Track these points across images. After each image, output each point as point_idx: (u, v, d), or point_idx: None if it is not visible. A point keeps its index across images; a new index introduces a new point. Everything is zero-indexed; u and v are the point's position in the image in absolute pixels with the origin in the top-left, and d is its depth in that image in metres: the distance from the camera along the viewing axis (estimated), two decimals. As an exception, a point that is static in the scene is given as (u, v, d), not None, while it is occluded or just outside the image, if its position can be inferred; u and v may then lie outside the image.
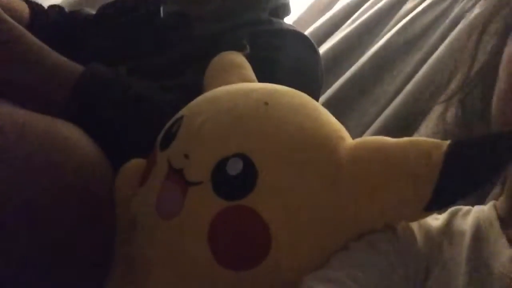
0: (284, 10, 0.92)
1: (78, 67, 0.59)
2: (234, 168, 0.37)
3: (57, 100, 0.56)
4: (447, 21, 1.29)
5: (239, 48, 0.61)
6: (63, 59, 0.58)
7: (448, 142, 0.38)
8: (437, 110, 0.67)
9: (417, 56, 1.28)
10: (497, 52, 0.45)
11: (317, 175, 0.38)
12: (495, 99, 0.43)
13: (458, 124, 0.52)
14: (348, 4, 1.46)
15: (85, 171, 0.48)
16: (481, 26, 0.48)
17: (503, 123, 0.41)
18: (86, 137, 0.51)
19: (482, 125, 0.48)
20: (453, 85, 0.52)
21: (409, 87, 1.22)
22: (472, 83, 0.49)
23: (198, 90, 0.53)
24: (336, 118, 0.46)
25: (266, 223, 0.37)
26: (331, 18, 1.44)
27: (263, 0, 0.85)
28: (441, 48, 1.24)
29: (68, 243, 0.46)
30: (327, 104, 1.26)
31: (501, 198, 0.46)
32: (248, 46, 0.62)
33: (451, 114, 0.52)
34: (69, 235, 0.46)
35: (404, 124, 1.14)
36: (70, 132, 0.49)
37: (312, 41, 0.83)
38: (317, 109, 0.45)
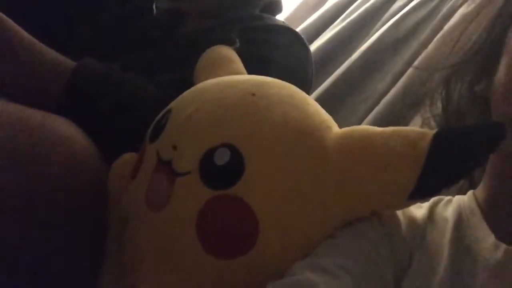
0: (276, 7, 0.92)
1: (70, 63, 0.59)
2: (222, 158, 0.38)
3: (50, 95, 0.56)
4: (436, 19, 1.30)
5: (228, 43, 0.61)
6: (55, 54, 0.58)
7: (433, 131, 0.38)
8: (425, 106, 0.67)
9: (407, 54, 1.29)
10: (498, 41, 0.45)
11: (303, 164, 0.39)
12: (494, 91, 0.43)
13: (445, 116, 0.52)
14: (338, 2, 1.47)
15: (81, 167, 0.48)
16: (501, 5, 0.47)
17: (505, 117, 0.41)
18: (81, 132, 0.51)
19: (470, 114, 0.49)
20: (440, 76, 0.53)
21: (399, 85, 1.23)
22: (469, 60, 0.49)
23: (190, 84, 0.53)
24: None
25: (253, 212, 0.37)
26: (321, 16, 1.45)
27: None
28: (431, 46, 1.25)
29: (62, 237, 0.47)
30: (318, 102, 1.27)
31: (480, 187, 0.47)
32: (237, 41, 0.63)
33: (437, 106, 0.52)
34: (64, 229, 0.47)
35: (394, 121, 1.15)
36: (65, 127, 0.50)
37: (303, 38, 0.84)
38: (305, 100, 0.45)
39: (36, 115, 0.48)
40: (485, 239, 0.41)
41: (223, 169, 0.38)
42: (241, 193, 0.37)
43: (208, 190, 0.38)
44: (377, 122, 1.20)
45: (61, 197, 0.46)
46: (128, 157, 0.51)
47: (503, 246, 0.39)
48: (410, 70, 1.24)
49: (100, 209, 0.49)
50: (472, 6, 1.28)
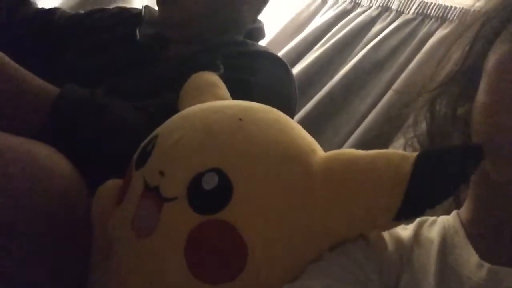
0: (259, 33, 0.94)
1: (53, 90, 0.59)
2: (210, 182, 0.38)
3: (34, 123, 0.56)
4: (414, 42, 1.34)
5: (213, 69, 0.62)
6: (38, 81, 0.58)
7: (415, 154, 0.39)
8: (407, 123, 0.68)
9: (387, 76, 1.32)
10: (477, 64, 0.45)
11: (291, 188, 0.39)
12: (474, 112, 0.43)
13: (430, 136, 0.53)
14: (318, 26, 1.51)
15: (66, 193, 0.48)
16: (478, 27, 0.49)
17: (485, 137, 0.41)
18: (64, 159, 0.51)
19: (454, 135, 0.50)
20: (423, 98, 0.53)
21: (379, 106, 1.26)
22: (451, 84, 0.50)
23: (174, 109, 0.53)
24: None
25: (241, 237, 0.37)
26: (303, 40, 1.48)
27: (239, 23, 0.87)
28: (410, 67, 1.28)
29: (47, 264, 0.46)
30: (300, 124, 1.28)
31: (463, 207, 0.48)
32: (222, 66, 0.64)
33: (421, 126, 0.53)
34: (48, 256, 0.46)
35: (376, 142, 1.16)
36: (50, 155, 0.49)
37: (285, 62, 0.85)
38: (290, 124, 0.46)
39: (22, 144, 0.48)
40: (469, 259, 0.41)
41: (211, 194, 0.38)
42: (229, 218, 0.37)
43: (196, 215, 0.38)
44: (360, 143, 1.22)
45: (43, 226, 0.46)
46: (112, 183, 0.51)
47: (487, 265, 0.40)
48: (390, 92, 1.27)
49: (84, 237, 0.49)
50: (448, 29, 1.33)
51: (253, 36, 0.90)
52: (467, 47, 0.48)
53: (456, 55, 0.50)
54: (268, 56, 0.84)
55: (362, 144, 1.19)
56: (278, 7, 1.51)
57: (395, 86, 1.26)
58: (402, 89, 1.21)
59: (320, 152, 0.44)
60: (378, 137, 1.16)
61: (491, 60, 0.42)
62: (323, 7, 1.60)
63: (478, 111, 0.42)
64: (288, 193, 0.39)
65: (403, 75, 1.28)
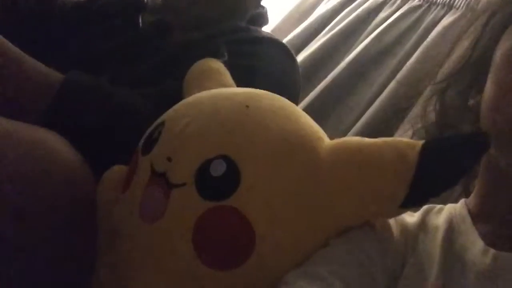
0: (262, 19, 0.93)
1: (58, 76, 0.59)
2: (217, 169, 0.38)
3: (37, 109, 0.56)
4: (420, 29, 1.33)
5: (217, 55, 0.62)
6: (42, 67, 0.58)
7: (422, 141, 0.39)
8: (414, 113, 0.68)
9: (392, 64, 1.31)
10: (488, 50, 0.46)
11: (298, 175, 0.39)
12: (483, 106, 0.44)
13: (438, 126, 0.53)
14: (324, 13, 1.49)
15: (71, 179, 0.48)
16: (486, 19, 0.49)
17: (494, 130, 0.42)
18: (69, 145, 0.51)
19: (463, 125, 0.50)
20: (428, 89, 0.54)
21: (384, 94, 1.25)
22: (460, 75, 0.51)
23: (178, 97, 0.53)
24: None
25: (249, 223, 0.37)
26: (307, 27, 1.47)
27: (241, 9, 0.87)
28: (415, 55, 1.27)
29: (53, 250, 0.46)
30: (305, 112, 1.28)
31: (471, 196, 0.49)
32: (225, 53, 0.64)
33: (429, 117, 0.54)
34: (54, 242, 0.46)
35: (380, 131, 1.16)
36: (54, 141, 0.49)
37: (290, 49, 0.85)
38: (296, 111, 0.46)
39: (27, 129, 0.48)
40: (475, 245, 0.42)
41: (219, 180, 0.38)
42: (237, 204, 0.38)
43: (204, 201, 0.38)
44: (364, 131, 1.21)
45: (60, 211, 0.46)
46: (118, 170, 0.51)
47: (492, 251, 0.41)
48: (395, 80, 1.26)
49: (92, 222, 0.49)
50: (454, 16, 1.32)
51: (256, 22, 0.90)
52: (475, 40, 0.48)
53: (464, 46, 0.50)
54: (272, 42, 0.83)
55: (368, 131, 1.19)
56: (282, -6, 1.51)
57: (400, 73, 1.26)
58: (408, 78, 1.20)
59: (326, 140, 0.44)
60: (384, 125, 1.16)
61: (498, 54, 0.43)
62: (329, -7, 1.58)
63: (486, 104, 0.42)
64: (295, 180, 0.39)
65: (409, 62, 1.26)
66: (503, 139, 0.40)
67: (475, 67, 0.48)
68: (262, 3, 0.93)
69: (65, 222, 0.47)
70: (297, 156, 0.40)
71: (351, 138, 0.44)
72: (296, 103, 0.86)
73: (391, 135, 1.09)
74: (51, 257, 0.47)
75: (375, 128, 1.20)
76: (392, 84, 1.25)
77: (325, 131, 0.47)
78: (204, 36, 0.79)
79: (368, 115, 1.25)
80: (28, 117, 0.51)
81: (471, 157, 0.39)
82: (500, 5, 0.47)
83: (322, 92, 1.31)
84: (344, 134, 1.23)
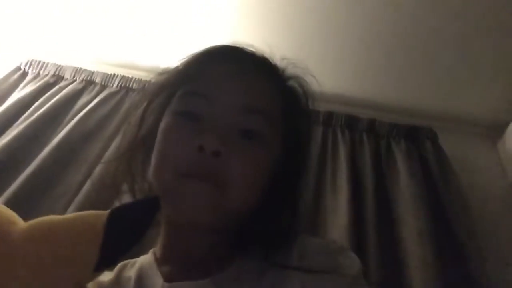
0: None
1: None
2: None
3: None
4: (120, 113, 1.44)
5: None
6: None
7: (108, 211, 0.46)
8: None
9: (98, 146, 1.36)
10: (155, 124, 0.56)
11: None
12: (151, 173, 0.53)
13: (132, 193, 0.60)
14: (19, 100, 1.45)
15: None
16: (146, 104, 0.59)
17: (160, 191, 0.51)
18: None
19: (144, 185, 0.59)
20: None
21: (95, 174, 1.28)
22: (134, 149, 0.60)
23: None
24: (21, 216, 0.47)
25: None
26: (2, 114, 1.40)
27: None
28: (118, 137, 1.36)
29: None
30: (11, 201, 1.19)
31: (158, 245, 0.58)
32: None
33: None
34: None
35: (99, 208, 1.17)
36: None
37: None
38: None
39: None
40: (157, 284, 0.51)
41: None
42: None
43: None
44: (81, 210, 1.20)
45: None
46: None
47: (166, 285, 0.50)
48: (101, 163, 1.32)
49: None
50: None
51: None
52: (139, 119, 0.59)
53: (132, 126, 0.60)
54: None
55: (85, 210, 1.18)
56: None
57: (107, 154, 1.32)
58: (111, 157, 1.27)
59: (20, 223, 0.46)
60: (99, 201, 1.18)
61: (160, 128, 0.54)
62: (22, 80, 1.55)
63: (151, 171, 0.52)
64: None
65: (114, 143, 1.34)
66: (163, 193, 0.50)
67: (144, 141, 0.59)
68: None
69: None
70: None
71: (45, 217, 0.46)
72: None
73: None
74: None
75: (93, 206, 1.20)
76: (100, 165, 1.30)
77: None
78: None
79: (81, 196, 1.25)
80: None
81: (147, 217, 0.47)
82: (154, 94, 0.59)
83: (29, 179, 1.25)
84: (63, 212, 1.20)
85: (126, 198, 0.62)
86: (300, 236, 0.54)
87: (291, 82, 0.61)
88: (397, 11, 1.22)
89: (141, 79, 1.52)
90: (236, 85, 0.53)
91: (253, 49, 0.60)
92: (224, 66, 0.55)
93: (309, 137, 0.64)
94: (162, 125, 0.54)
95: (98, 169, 1.28)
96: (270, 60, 0.60)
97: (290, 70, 0.62)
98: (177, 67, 0.59)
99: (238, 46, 0.58)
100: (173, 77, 0.58)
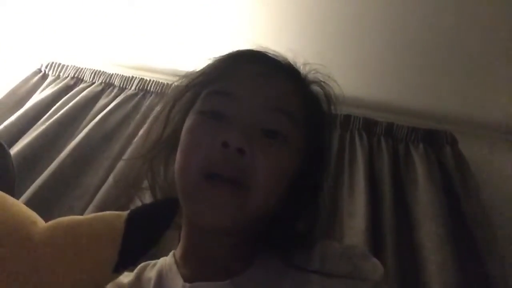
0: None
1: None
2: None
3: None
4: (139, 115, 1.45)
5: None
6: None
7: (128, 211, 0.46)
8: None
9: (116, 148, 1.38)
10: (180, 124, 0.56)
11: (14, 259, 0.40)
12: (175, 172, 0.53)
13: (153, 193, 0.61)
14: (39, 102, 1.47)
15: None
16: (171, 105, 0.60)
17: (181, 190, 0.51)
18: None
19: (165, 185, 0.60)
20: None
21: (112, 176, 1.29)
22: (158, 148, 0.60)
23: None
24: (41, 216, 0.48)
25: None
26: (23, 116, 1.42)
27: None
28: (137, 138, 1.36)
29: None
30: (30, 201, 1.21)
31: (178, 246, 0.58)
32: None
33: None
34: None
35: (117, 208, 1.18)
36: None
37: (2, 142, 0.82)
38: (5, 200, 0.47)
39: None
40: (177, 285, 0.51)
41: None
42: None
43: None
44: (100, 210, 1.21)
45: None
46: None
47: (187, 285, 0.50)
48: (121, 161, 1.33)
49: None
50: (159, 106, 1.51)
51: None
52: (164, 120, 0.60)
53: (156, 126, 0.61)
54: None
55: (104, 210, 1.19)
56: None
57: (125, 156, 1.33)
58: (134, 155, 1.28)
59: (41, 223, 0.46)
60: (115, 205, 1.19)
61: (184, 128, 0.54)
62: (43, 82, 1.57)
63: (175, 170, 0.53)
64: (13, 263, 0.40)
65: (133, 144, 1.35)
66: (185, 196, 0.50)
67: (168, 141, 0.59)
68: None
69: None
70: (12, 242, 0.41)
71: (65, 218, 0.47)
72: (11, 191, 0.82)
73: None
74: None
75: (109, 209, 1.22)
76: (119, 165, 1.31)
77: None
78: None
79: (99, 198, 1.26)
80: None
81: (166, 219, 0.47)
82: (179, 95, 0.60)
83: (48, 180, 1.26)
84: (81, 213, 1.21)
85: (147, 197, 0.63)
86: (321, 241, 0.54)
87: (314, 87, 0.61)
88: (416, 15, 1.21)
89: (158, 82, 1.53)
90: (261, 85, 0.53)
91: (276, 54, 0.60)
92: (248, 66, 0.55)
93: (331, 142, 0.64)
94: (186, 124, 0.55)
95: (119, 166, 1.29)
96: (293, 64, 0.60)
97: (313, 75, 0.61)
98: (202, 69, 0.59)
99: (262, 50, 0.59)
100: (198, 78, 0.58)
